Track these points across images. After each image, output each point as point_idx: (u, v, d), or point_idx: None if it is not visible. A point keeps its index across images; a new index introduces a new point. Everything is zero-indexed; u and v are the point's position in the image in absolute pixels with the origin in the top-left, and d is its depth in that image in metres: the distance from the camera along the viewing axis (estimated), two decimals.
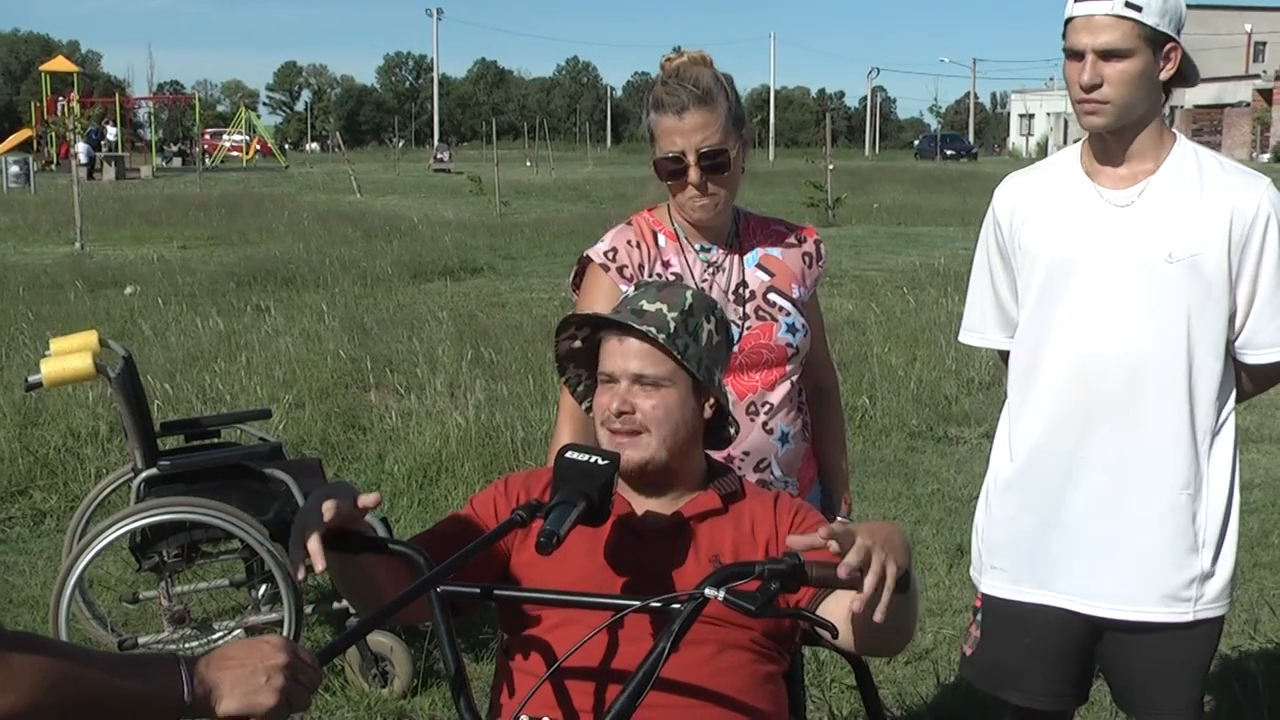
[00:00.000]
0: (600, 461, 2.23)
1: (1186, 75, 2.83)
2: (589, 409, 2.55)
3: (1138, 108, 2.79)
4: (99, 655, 1.81)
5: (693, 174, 2.91)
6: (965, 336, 3.21)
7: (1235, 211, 2.79)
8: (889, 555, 2.00)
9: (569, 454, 2.25)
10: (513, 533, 2.41)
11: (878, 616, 1.97)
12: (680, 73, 2.92)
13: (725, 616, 2.19)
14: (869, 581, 1.97)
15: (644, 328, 2.38)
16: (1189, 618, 2.90)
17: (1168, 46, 2.76)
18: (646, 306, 2.42)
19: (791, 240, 3.16)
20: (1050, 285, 2.91)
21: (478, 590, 2.31)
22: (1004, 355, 3.13)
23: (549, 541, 2.10)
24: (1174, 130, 2.92)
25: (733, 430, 2.54)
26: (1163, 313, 2.81)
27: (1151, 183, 2.84)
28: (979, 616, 3.14)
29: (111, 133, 49.58)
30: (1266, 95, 60.59)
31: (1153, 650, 2.93)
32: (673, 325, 2.39)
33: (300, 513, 2.19)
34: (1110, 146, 2.86)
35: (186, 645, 4.61)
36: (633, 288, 2.86)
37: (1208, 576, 2.90)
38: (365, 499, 2.22)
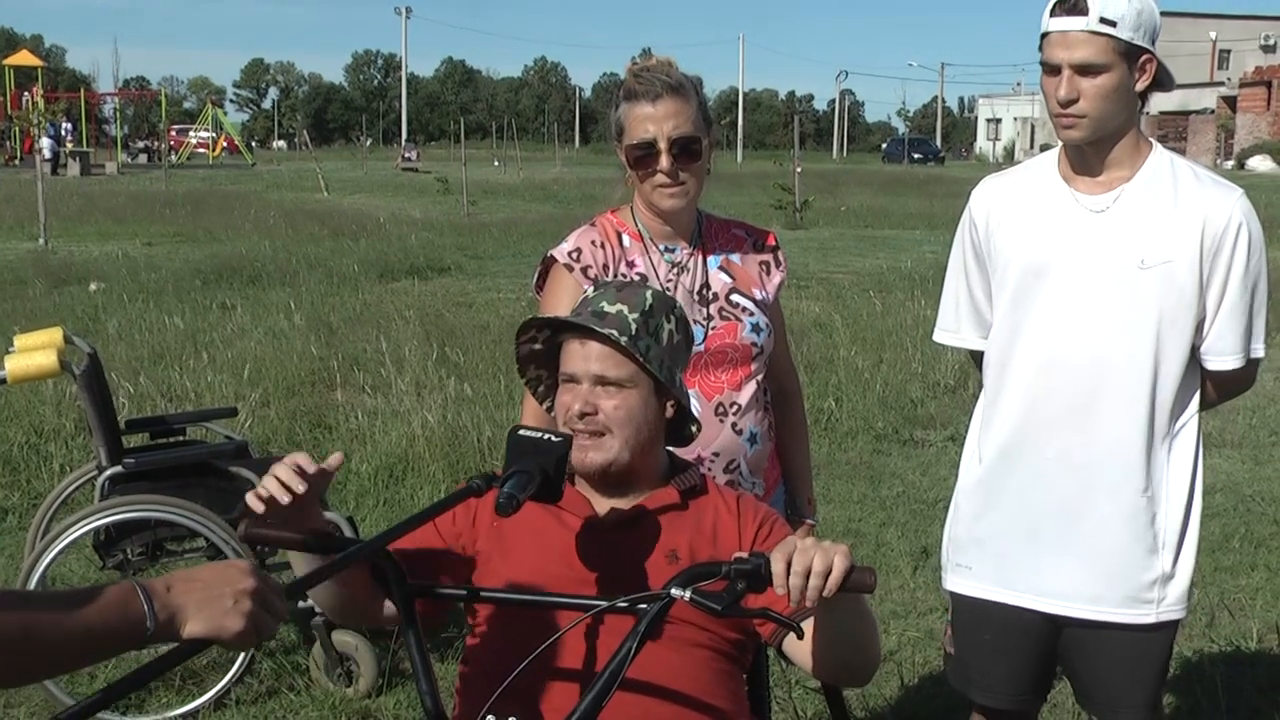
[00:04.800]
0: (553, 439, 2.23)
1: (1162, 81, 2.86)
2: (550, 408, 2.56)
3: (1114, 120, 2.81)
4: (54, 597, 1.71)
5: (664, 160, 2.91)
6: (939, 336, 3.23)
7: (1207, 220, 2.81)
8: (812, 552, 2.00)
9: (521, 431, 2.25)
10: (472, 534, 2.42)
11: (809, 600, 2.00)
12: (651, 67, 2.95)
13: (686, 615, 2.19)
14: (807, 585, 2.00)
15: (606, 331, 2.38)
16: (1151, 619, 2.93)
17: (1143, 58, 2.78)
18: (607, 308, 2.42)
19: (751, 245, 3.18)
20: (1023, 288, 2.93)
21: (435, 589, 2.31)
22: (977, 356, 3.16)
23: (509, 504, 2.09)
24: (1150, 139, 2.95)
25: (694, 429, 2.55)
26: (1134, 318, 2.84)
27: (1127, 189, 2.86)
28: (951, 615, 3.17)
29: (65, 127, 48.72)
30: (1231, 102, 61.05)
31: (1114, 649, 2.96)
32: (634, 327, 2.39)
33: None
34: (1088, 157, 2.88)
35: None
36: (592, 288, 2.87)
37: (1169, 579, 2.93)
38: (331, 460, 2.24)
